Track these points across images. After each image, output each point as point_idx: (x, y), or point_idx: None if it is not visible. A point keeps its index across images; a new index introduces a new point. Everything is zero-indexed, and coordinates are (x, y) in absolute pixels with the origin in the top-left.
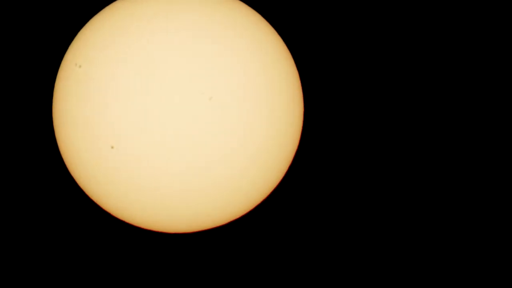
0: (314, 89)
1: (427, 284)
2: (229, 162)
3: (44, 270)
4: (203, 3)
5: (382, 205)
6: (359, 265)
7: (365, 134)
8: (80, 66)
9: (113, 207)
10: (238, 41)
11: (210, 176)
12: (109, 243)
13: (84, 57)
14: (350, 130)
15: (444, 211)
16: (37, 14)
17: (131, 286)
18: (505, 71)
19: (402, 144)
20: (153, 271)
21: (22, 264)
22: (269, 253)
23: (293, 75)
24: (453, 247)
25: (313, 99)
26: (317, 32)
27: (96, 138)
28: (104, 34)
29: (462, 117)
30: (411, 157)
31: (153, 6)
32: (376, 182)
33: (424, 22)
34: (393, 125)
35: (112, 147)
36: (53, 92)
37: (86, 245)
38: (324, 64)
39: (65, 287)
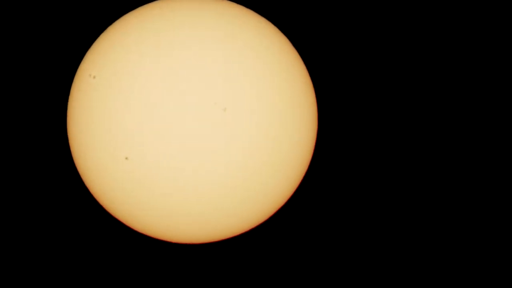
0: (328, 96)
1: None
2: (244, 172)
3: (56, 277)
4: (215, 14)
5: (399, 217)
6: (376, 276)
7: (380, 141)
8: (94, 77)
9: (127, 217)
10: (251, 52)
11: (224, 186)
12: (121, 252)
13: (98, 68)
14: (365, 137)
15: (461, 214)
16: (52, 25)
17: None
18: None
19: (416, 151)
20: (165, 282)
21: (33, 272)
22: (282, 264)
23: (306, 85)
24: (473, 258)
25: (327, 107)
26: (330, 41)
27: (110, 149)
28: (118, 46)
29: (477, 121)
30: (426, 168)
31: (166, 18)
32: (391, 190)
33: (436, 25)
34: (410, 133)
35: (126, 158)
36: (67, 103)
37: (99, 255)
38: (338, 73)
39: None
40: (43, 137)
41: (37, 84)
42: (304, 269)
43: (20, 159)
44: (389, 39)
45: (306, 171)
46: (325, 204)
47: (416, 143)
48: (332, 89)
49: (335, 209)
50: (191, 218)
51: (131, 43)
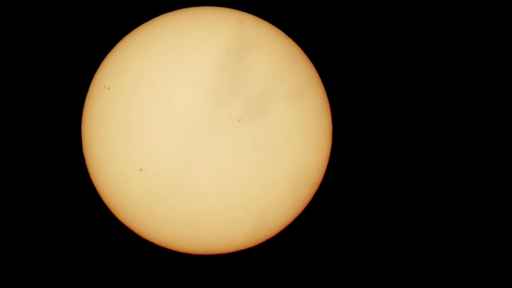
0: (343, 108)
1: None
2: (258, 184)
3: (68, 286)
4: (230, 25)
5: (417, 225)
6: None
7: (396, 149)
8: (108, 88)
9: (141, 228)
10: (265, 62)
11: (238, 197)
12: (135, 263)
13: (112, 79)
14: (379, 151)
15: (477, 215)
16: (66, 36)
17: None
18: None
19: (432, 162)
20: None
21: (45, 279)
22: (298, 277)
23: (321, 95)
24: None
25: (342, 119)
26: (346, 52)
27: (125, 161)
28: (133, 56)
29: (494, 131)
30: (443, 181)
31: (180, 29)
32: (409, 197)
33: (453, 30)
34: (426, 144)
35: (140, 170)
36: (82, 114)
37: (112, 265)
38: (353, 84)
39: None
40: (58, 147)
41: (51, 94)
42: (322, 279)
43: (34, 169)
44: (406, 49)
45: (319, 184)
46: (342, 212)
47: (431, 154)
48: (347, 98)
49: (351, 217)
50: (204, 230)
51: (146, 54)
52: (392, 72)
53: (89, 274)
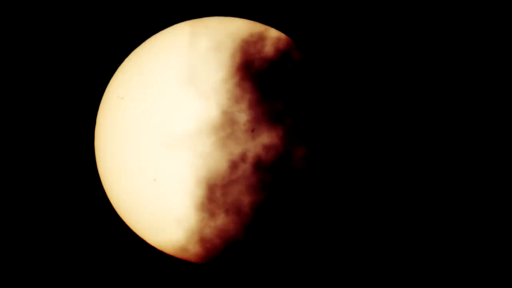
0: (344, 110)
1: None
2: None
3: None
4: (242, 36)
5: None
6: None
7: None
8: (122, 98)
9: (153, 237)
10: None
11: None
12: (145, 271)
13: (126, 89)
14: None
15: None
16: (81, 47)
17: None
18: None
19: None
20: None
21: (60, 285)
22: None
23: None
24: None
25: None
26: (354, 59)
27: (138, 170)
28: (145, 67)
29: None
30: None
31: (190, 39)
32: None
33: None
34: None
35: (154, 179)
36: (95, 123)
37: (124, 274)
38: (358, 88)
39: None
40: (71, 157)
41: (65, 105)
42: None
43: (47, 179)
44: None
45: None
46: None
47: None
48: (350, 104)
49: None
50: (215, 239)
51: (159, 64)
52: (393, 72)
53: (101, 281)
